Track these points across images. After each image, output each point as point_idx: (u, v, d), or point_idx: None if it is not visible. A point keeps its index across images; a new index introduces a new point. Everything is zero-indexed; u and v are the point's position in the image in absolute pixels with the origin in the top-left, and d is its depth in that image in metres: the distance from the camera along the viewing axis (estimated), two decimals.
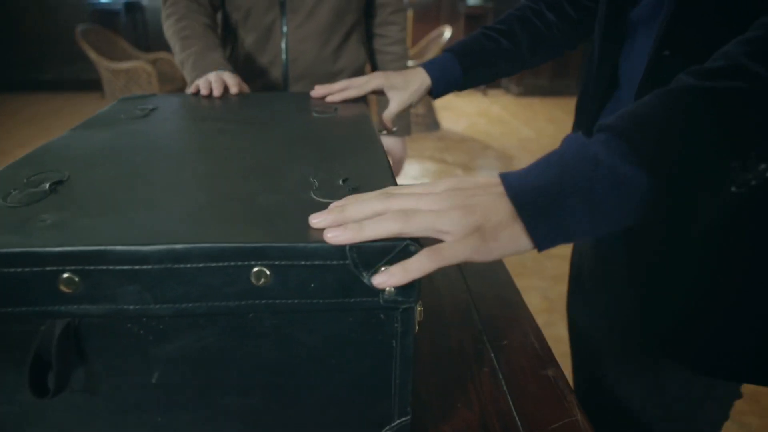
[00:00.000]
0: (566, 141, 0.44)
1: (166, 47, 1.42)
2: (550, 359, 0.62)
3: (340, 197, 0.47)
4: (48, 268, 0.39)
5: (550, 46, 0.89)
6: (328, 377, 0.45)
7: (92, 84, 5.22)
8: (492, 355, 0.63)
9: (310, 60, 1.23)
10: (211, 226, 0.42)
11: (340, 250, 0.40)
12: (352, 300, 0.41)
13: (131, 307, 0.40)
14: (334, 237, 0.39)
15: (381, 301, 0.41)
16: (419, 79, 0.87)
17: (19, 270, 0.39)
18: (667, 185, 0.39)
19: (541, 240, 0.40)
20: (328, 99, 0.85)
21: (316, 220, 0.41)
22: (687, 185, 0.40)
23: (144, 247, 0.39)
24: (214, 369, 0.43)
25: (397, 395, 0.46)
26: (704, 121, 0.39)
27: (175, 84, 4.32)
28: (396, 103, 0.88)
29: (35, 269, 0.39)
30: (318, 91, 0.87)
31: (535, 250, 0.41)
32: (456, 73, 0.87)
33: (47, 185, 0.49)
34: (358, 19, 1.27)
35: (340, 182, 0.51)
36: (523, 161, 3.95)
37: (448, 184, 0.44)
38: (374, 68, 1.36)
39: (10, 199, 0.47)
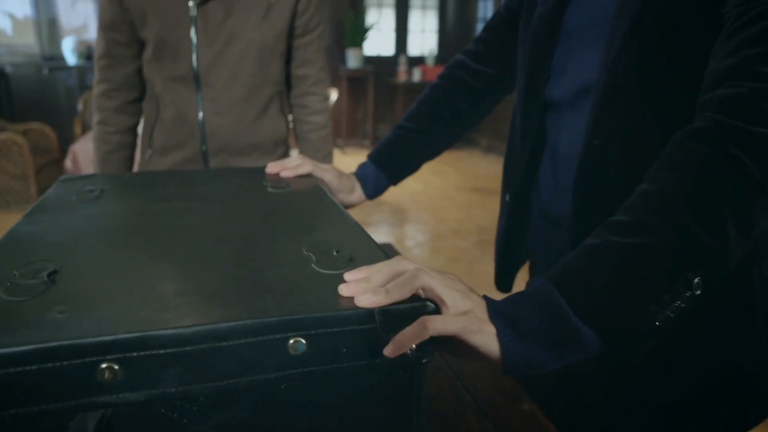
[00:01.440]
0: (532, 283, 0.51)
1: (38, 116, 1.57)
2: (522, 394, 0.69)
3: (339, 267, 0.51)
4: (88, 359, 0.39)
5: (464, 126, 0.99)
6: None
7: None
8: (471, 398, 0.68)
9: (228, 133, 1.26)
10: (240, 303, 0.45)
11: (369, 314, 0.44)
12: (378, 360, 0.45)
13: (172, 389, 0.41)
14: (367, 301, 0.44)
15: (404, 357, 0.46)
16: (359, 190, 0.95)
17: (57, 364, 0.39)
18: (605, 333, 0.47)
19: (507, 346, 0.46)
20: (282, 174, 0.89)
21: (347, 290, 0.46)
22: (623, 328, 0.47)
23: (186, 329, 0.40)
24: None
25: None
26: (624, 275, 0.48)
27: (50, 155, 4.06)
28: (341, 199, 0.92)
29: (74, 362, 0.39)
30: (272, 168, 0.89)
31: (500, 365, 0.47)
32: (382, 179, 0.97)
33: (44, 276, 0.49)
34: (277, 91, 1.32)
35: (335, 253, 0.55)
36: (415, 214, 4.15)
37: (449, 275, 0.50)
38: (297, 137, 1.41)
39: (12, 293, 0.46)
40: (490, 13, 5.88)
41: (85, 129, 4.42)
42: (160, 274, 0.51)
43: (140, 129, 1.36)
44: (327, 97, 1.39)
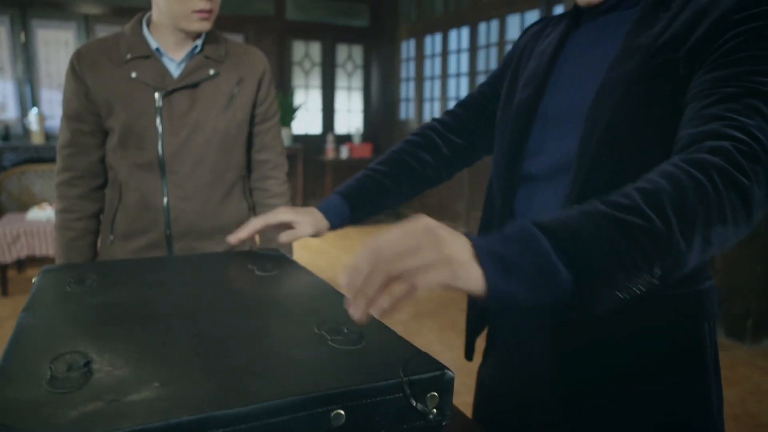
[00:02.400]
0: (518, 224, 0.55)
1: None
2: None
3: (355, 343, 0.57)
4: None
5: (427, 182, 1.07)
6: None
7: None
8: None
9: (192, 217, 1.30)
10: (283, 381, 0.49)
11: (398, 385, 0.50)
12: (405, 426, 0.51)
13: None
14: (374, 314, 0.48)
15: (428, 420, 0.51)
16: (319, 216, 0.98)
17: None
18: (577, 282, 0.52)
19: (491, 280, 0.50)
20: (240, 235, 0.93)
21: (357, 314, 0.49)
22: (597, 285, 0.53)
23: (243, 408, 0.45)
24: None
25: None
26: (612, 239, 0.54)
27: None
28: (305, 228, 0.95)
29: None
30: (233, 239, 0.94)
31: (485, 292, 0.50)
32: (345, 212, 0.99)
33: (81, 367, 0.51)
34: (240, 175, 1.38)
35: (345, 330, 0.61)
36: None
37: (423, 225, 0.53)
38: None
39: (57, 386, 0.48)
40: (412, 94, 6.25)
41: (2, 211, 4.21)
42: (186, 356, 0.54)
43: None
44: (286, 181, 1.45)
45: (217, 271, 0.86)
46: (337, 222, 0.99)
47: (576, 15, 0.87)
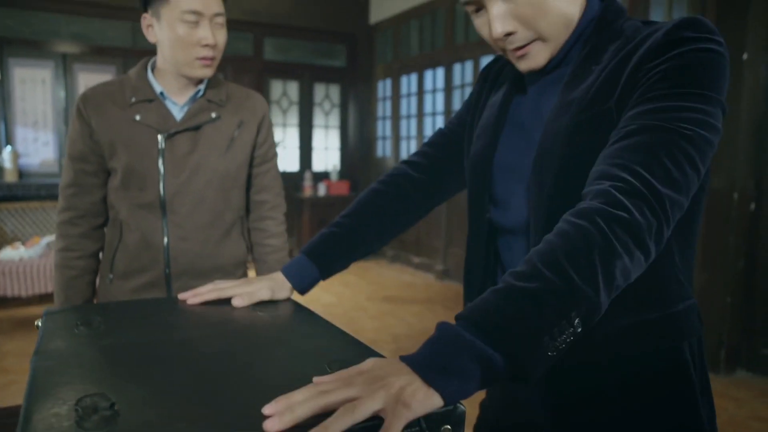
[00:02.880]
0: (439, 327, 0.61)
1: None
2: None
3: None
4: None
5: (396, 229, 1.07)
6: None
7: None
8: None
9: (191, 256, 1.32)
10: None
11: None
12: None
13: None
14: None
15: None
16: (281, 280, 0.97)
17: None
18: (510, 358, 0.57)
19: (444, 390, 0.54)
20: (190, 302, 0.91)
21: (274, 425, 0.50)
22: (525, 353, 0.58)
23: None
24: None
25: None
26: (524, 310, 0.59)
27: None
28: (262, 294, 0.94)
29: None
30: (183, 296, 0.93)
31: (443, 402, 0.54)
32: (313, 273, 0.99)
33: (107, 408, 0.53)
34: (238, 216, 1.40)
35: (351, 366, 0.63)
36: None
37: (363, 373, 0.57)
38: (255, 260, 1.47)
39: (89, 427, 0.49)
40: (389, 132, 6.37)
41: None
42: (208, 396, 0.56)
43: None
44: (284, 221, 1.48)
45: (221, 313, 0.88)
46: (305, 283, 0.99)
47: (519, 76, 0.90)
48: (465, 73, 5.18)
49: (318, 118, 6.65)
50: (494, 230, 0.91)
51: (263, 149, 1.41)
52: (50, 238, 4.02)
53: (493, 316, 0.59)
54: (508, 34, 0.79)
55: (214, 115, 1.31)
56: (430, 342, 0.59)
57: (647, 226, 0.64)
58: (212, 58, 1.26)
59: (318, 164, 6.73)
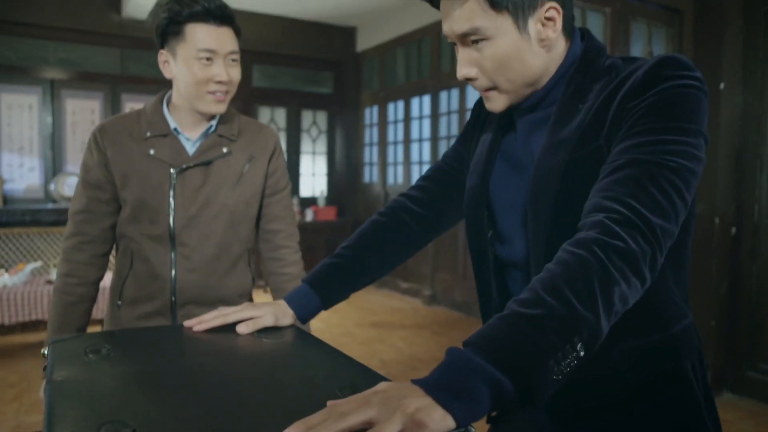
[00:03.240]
0: (449, 352, 0.63)
1: None
2: None
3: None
4: None
5: (396, 260, 1.09)
6: None
7: None
8: None
9: (198, 287, 1.33)
10: None
11: None
12: None
13: None
14: None
15: None
16: (283, 307, 0.99)
17: None
18: (517, 381, 0.59)
19: (457, 412, 0.56)
20: (196, 329, 0.93)
21: None
22: (532, 377, 0.60)
23: None
24: None
25: None
26: (529, 336, 0.62)
27: None
28: (266, 320, 0.95)
29: None
30: (189, 323, 0.95)
31: (456, 424, 0.57)
32: (315, 302, 1.01)
33: None
34: (246, 248, 1.41)
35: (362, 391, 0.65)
36: None
37: (378, 394, 0.59)
38: (272, 289, 1.47)
39: None
40: (375, 158, 6.42)
41: None
42: (226, 423, 0.57)
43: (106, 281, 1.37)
44: (299, 250, 1.48)
45: (227, 339, 0.89)
46: (307, 312, 1.01)
47: (508, 113, 0.92)
48: (451, 100, 5.27)
49: (305, 144, 6.69)
50: (501, 265, 0.94)
51: (274, 179, 1.43)
52: (35, 264, 3.97)
53: (500, 341, 0.61)
54: (469, 78, 0.85)
55: (225, 149, 1.34)
56: (443, 366, 0.61)
57: (642, 254, 0.67)
58: (225, 93, 1.29)
59: (305, 190, 6.76)
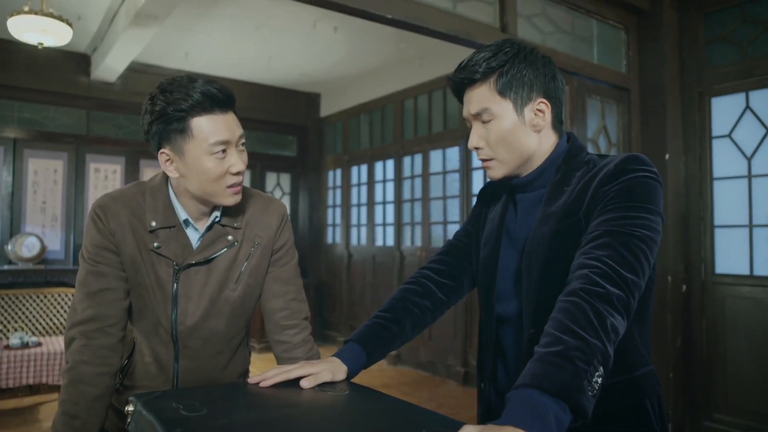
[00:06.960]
0: (514, 395, 0.77)
1: None
2: None
3: None
4: None
5: (426, 323, 1.25)
6: None
7: None
8: None
9: (199, 380, 1.31)
10: None
11: None
12: None
13: None
14: None
15: None
16: (338, 363, 1.09)
17: None
18: (572, 404, 0.75)
19: None
20: (262, 384, 1.02)
21: None
22: (580, 397, 0.76)
23: None
24: None
25: None
26: (562, 366, 0.78)
27: None
28: (324, 375, 1.05)
29: None
30: (253, 379, 1.04)
31: None
32: (362, 358, 1.13)
33: None
34: (244, 333, 1.39)
35: None
36: None
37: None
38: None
39: None
40: (339, 220, 6.54)
41: None
42: None
43: None
44: (307, 327, 1.36)
45: (295, 393, 0.97)
46: (357, 367, 1.12)
47: (511, 191, 1.16)
48: (414, 165, 5.46)
49: None
50: (498, 321, 1.14)
51: (278, 255, 1.35)
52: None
53: (545, 377, 0.77)
54: (477, 148, 1.10)
55: (230, 238, 1.27)
56: (519, 405, 0.75)
57: (617, 297, 0.88)
58: (240, 183, 1.23)
59: None
